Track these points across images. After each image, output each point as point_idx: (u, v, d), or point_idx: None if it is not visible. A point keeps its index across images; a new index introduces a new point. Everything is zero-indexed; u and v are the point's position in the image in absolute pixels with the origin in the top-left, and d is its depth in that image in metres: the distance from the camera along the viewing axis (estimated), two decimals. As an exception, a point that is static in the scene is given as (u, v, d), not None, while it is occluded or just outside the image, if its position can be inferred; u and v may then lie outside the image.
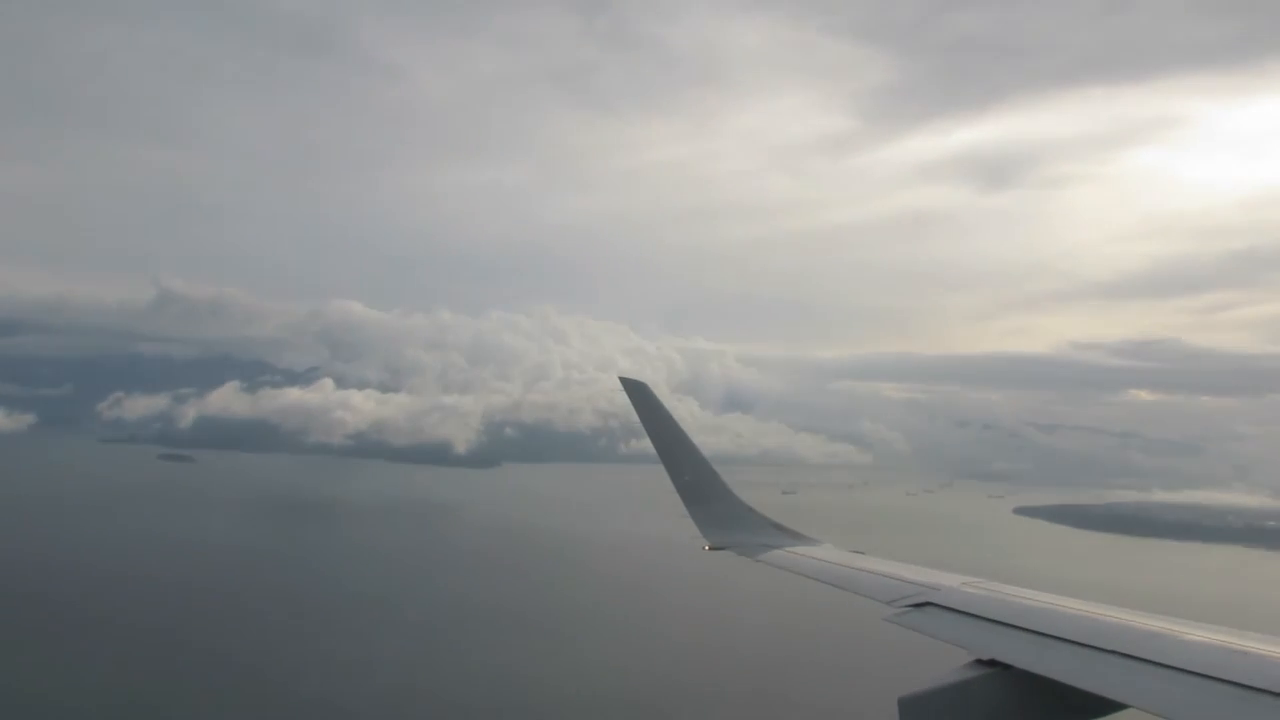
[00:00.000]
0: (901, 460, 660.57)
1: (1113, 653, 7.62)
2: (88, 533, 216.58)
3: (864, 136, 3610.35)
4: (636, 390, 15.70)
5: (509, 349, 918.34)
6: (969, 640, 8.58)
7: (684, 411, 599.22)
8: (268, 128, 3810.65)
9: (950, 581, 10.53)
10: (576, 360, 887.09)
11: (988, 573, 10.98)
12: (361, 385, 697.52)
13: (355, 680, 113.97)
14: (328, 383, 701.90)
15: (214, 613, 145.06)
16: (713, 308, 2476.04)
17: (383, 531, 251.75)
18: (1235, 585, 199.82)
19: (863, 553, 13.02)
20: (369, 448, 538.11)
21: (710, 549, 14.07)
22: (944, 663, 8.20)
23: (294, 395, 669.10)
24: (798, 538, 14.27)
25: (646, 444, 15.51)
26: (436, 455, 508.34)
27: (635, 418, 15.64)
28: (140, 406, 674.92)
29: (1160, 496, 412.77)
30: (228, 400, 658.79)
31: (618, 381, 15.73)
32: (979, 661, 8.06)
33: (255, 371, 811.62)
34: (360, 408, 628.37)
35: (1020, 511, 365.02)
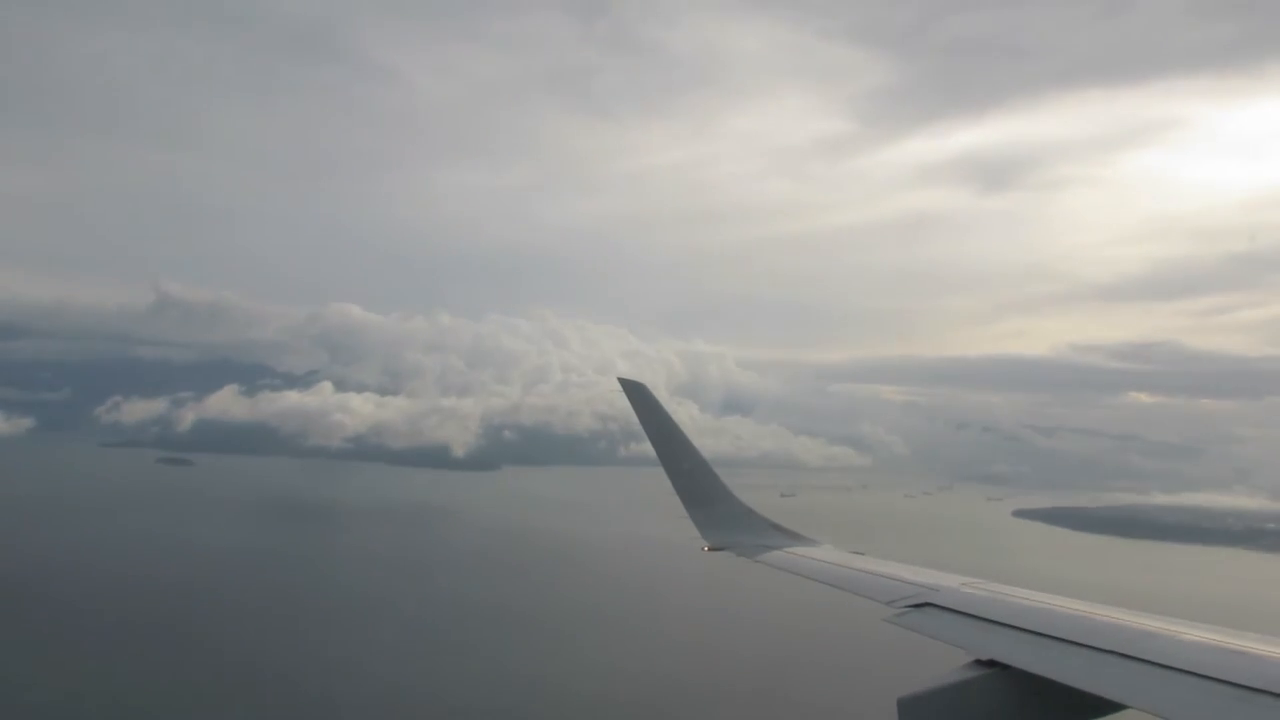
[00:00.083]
0: (901, 463, 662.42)
1: (1111, 653, 7.64)
2: (87, 536, 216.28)
3: (863, 139, 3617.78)
4: (635, 391, 15.63)
5: (508, 352, 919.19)
6: (968, 640, 8.60)
7: (683, 414, 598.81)
8: (267, 131, 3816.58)
9: (949, 582, 10.56)
10: (575, 363, 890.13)
11: (987, 574, 10.98)
12: (360, 388, 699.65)
13: (355, 681, 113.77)
14: (327, 386, 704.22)
15: (214, 615, 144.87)
16: (712, 310, 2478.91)
17: (382, 534, 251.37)
18: (1235, 587, 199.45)
19: (862, 553, 13.05)
20: (368, 451, 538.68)
21: (710, 550, 14.07)
22: (943, 663, 8.23)
23: (293, 398, 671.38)
24: (797, 538, 14.28)
25: (646, 447, 15.45)
26: (435, 458, 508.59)
27: (634, 421, 15.56)
28: (139, 410, 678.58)
29: (1160, 499, 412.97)
30: (227, 403, 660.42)
31: (617, 384, 15.63)
32: (978, 662, 8.08)
33: (254, 375, 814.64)
34: (359, 411, 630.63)
35: (1019, 514, 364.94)
